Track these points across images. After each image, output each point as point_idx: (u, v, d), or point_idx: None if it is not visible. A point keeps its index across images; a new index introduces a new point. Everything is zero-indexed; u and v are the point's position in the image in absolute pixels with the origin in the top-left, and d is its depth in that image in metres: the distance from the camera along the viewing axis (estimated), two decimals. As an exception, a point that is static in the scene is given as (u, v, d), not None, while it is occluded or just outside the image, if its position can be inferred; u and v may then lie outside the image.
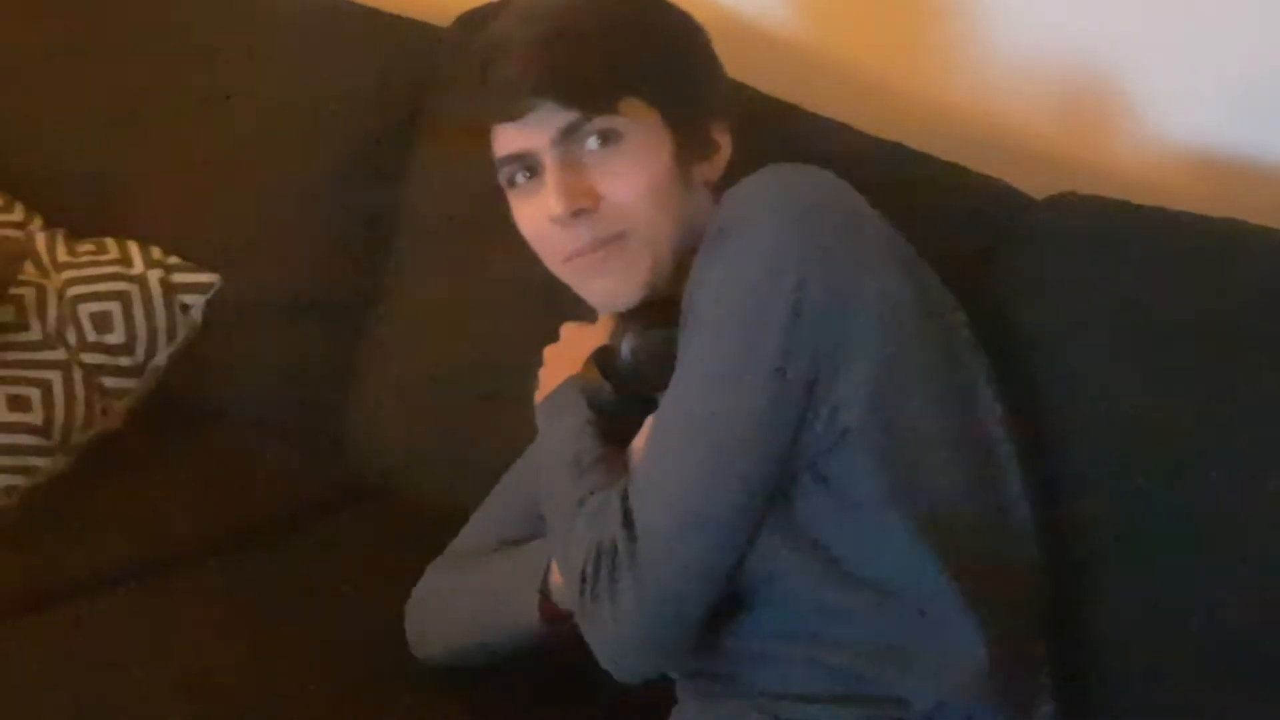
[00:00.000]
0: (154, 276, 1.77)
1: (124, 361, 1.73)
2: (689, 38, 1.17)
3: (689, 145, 1.11)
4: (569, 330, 1.25)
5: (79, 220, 1.91)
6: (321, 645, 1.34)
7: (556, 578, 1.14)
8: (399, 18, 1.76)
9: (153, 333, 1.76)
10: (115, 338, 1.73)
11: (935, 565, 1.03)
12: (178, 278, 1.77)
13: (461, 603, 1.27)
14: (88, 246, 1.83)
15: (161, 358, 1.76)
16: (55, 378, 1.69)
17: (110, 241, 1.83)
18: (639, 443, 1.10)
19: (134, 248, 1.80)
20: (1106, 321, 1.20)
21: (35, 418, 1.65)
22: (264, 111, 1.80)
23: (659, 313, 1.11)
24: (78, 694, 1.29)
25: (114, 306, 1.75)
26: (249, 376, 1.79)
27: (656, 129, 1.09)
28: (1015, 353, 1.20)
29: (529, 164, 1.11)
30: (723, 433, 1.02)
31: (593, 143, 1.07)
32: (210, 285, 1.77)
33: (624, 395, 1.15)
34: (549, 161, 1.08)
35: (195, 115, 1.85)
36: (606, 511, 1.04)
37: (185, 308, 1.77)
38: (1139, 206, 1.25)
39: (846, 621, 1.06)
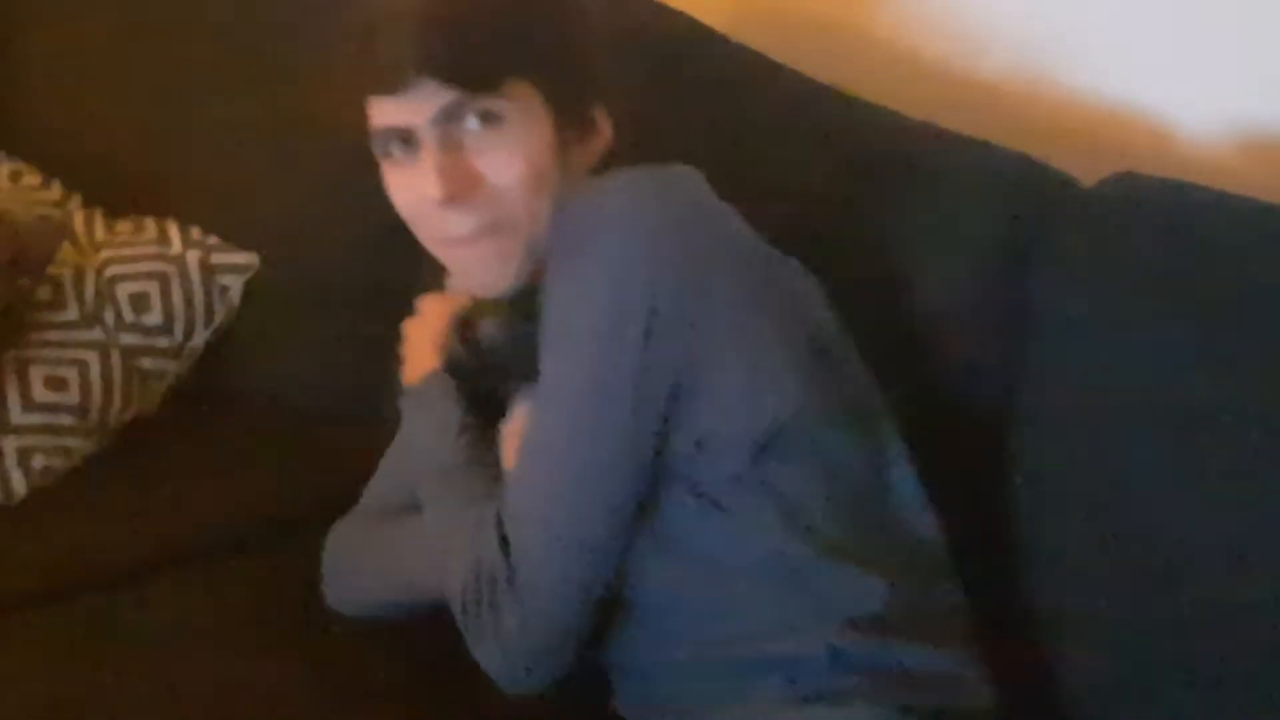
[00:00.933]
0: (193, 257, 1.76)
1: (162, 343, 1.73)
2: (575, 18, 1.17)
3: (569, 128, 1.12)
4: (429, 303, 1.28)
5: (118, 199, 1.92)
6: (368, 636, 1.33)
7: None
8: None
9: (191, 314, 1.76)
10: (153, 319, 1.73)
11: (813, 541, 1.06)
12: (216, 258, 1.77)
13: (379, 562, 1.30)
14: (126, 226, 1.83)
15: (199, 339, 1.75)
16: (93, 358, 1.69)
17: (149, 221, 1.82)
18: (510, 431, 1.15)
19: (173, 227, 1.80)
20: (1163, 304, 1.20)
21: (72, 398, 1.66)
22: (306, 93, 1.80)
23: (523, 300, 1.14)
24: (105, 683, 1.28)
25: (152, 287, 1.74)
26: (288, 360, 1.78)
27: (538, 111, 1.10)
28: (1067, 337, 1.20)
29: (406, 138, 1.11)
30: (586, 454, 1.06)
31: (473, 123, 1.07)
32: (249, 266, 1.76)
33: (482, 371, 1.20)
34: (428, 141, 1.08)
35: (237, 95, 1.84)
36: (483, 531, 1.07)
37: (224, 289, 1.76)
38: (1198, 188, 1.24)
39: (727, 615, 1.10)
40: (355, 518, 1.36)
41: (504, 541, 1.07)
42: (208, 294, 1.76)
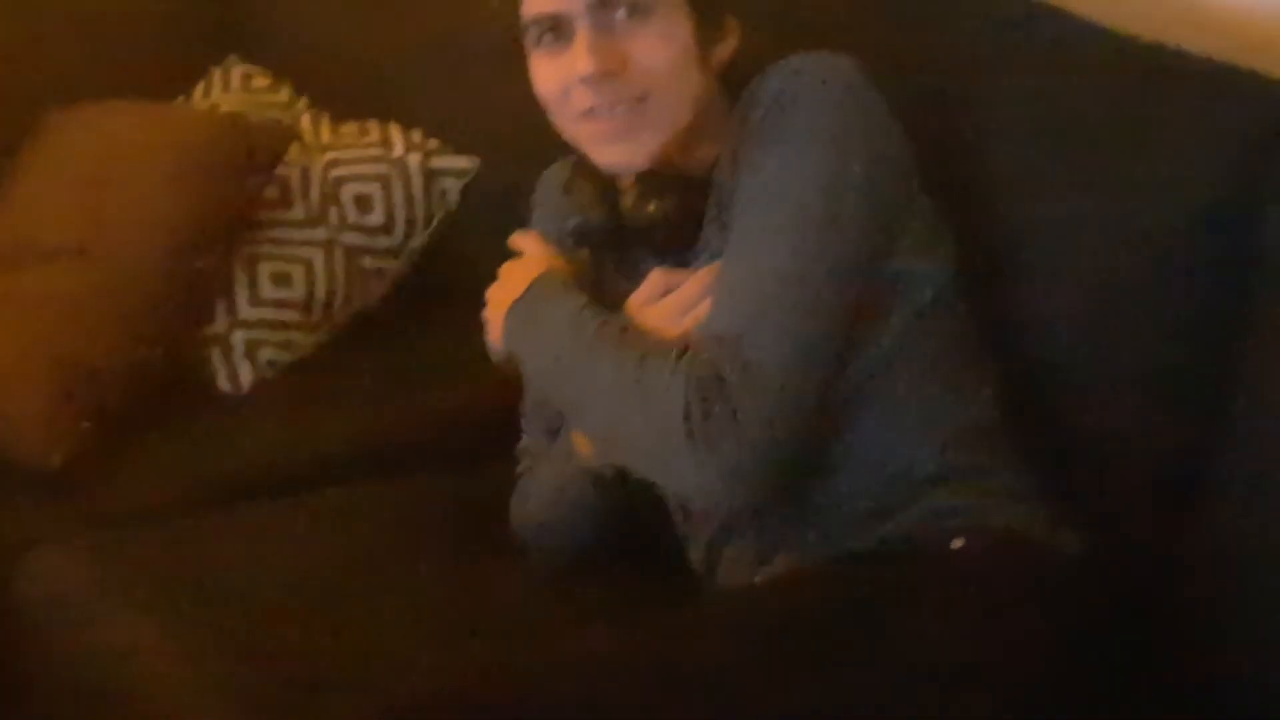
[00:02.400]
0: (414, 160, 1.83)
1: (383, 242, 1.81)
2: None
3: (707, 28, 1.23)
4: (510, 269, 1.34)
5: (343, 102, 2.00)
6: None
7: (584, 448, 1.26)
8: None
9: (411, 215, 1.83)
10: (375, 219, 1.81)
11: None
12: (436, 161, 1.84)
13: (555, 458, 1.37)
14: (351, 128, 1.91)
15: (418, 240, 1.83)
16: (317, 256, 1.77)
17: (373, 124, 1.90)
18: (637, 301, 1.23)
19: (395, 131, 1.88)
20: None
21: (297, 294, 1.75)
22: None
23: (674, 183, 1.25)
24: (348, 569, 1.35)
25: (374, 188, 1.82)
26: (501, 260, 1.79)
27: (681, 7, 1.21)
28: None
29: (559, 26, 1.21)
30: (818, 281, 1.15)
31: (622, 14, 1.19)
32: (468, 170, 1.83)
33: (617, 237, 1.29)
34: (581, 25, 1.18)
35: (459, 3, 1.85)
36: (693, 361, 1.14)
37: (443, 191, 1.83)
38: None
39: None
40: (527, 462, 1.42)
41: (731, 355, 1.14)
42: (428, 196, 1.83)
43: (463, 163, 1.86)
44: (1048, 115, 1.35)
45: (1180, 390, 1.29)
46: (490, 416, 1.57)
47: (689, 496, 1.25)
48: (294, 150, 1.87)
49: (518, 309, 1.32)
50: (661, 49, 1.21)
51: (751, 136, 1.20)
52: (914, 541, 1.22)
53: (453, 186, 1.85)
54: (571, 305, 1.27)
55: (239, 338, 1.74)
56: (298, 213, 1.81)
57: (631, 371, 1.19)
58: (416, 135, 1.88)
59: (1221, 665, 1.22)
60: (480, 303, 1.59)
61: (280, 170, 1.83)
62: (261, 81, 2.09)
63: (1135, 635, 1.26)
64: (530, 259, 1.36)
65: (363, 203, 1.82)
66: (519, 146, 1.74)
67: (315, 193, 1.82)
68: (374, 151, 1.88)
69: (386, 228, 1.82)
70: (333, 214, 1.80)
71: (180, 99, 2.16)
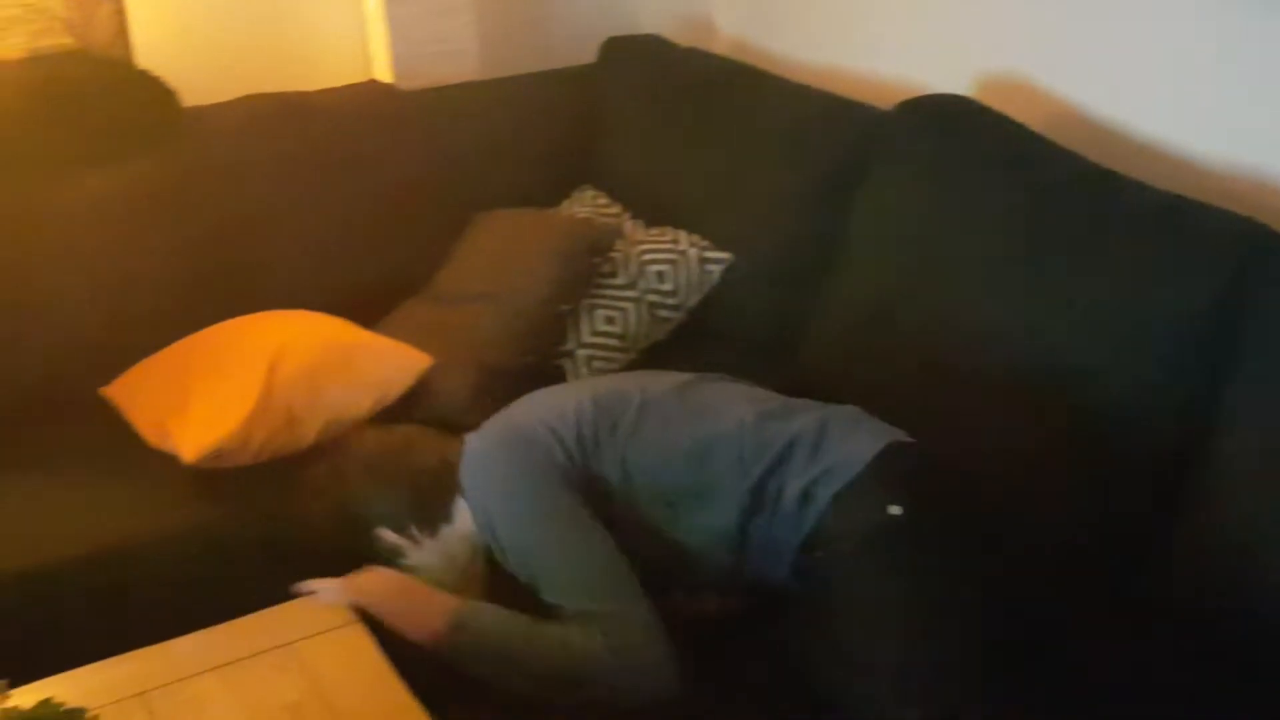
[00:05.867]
0: (693, 252, 2.37)
1: (671, 301, 2.36)
2: None
3: None
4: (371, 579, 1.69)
5: (650, 215, 2.54)
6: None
7: None
8: (854, 102, 2.33)
9: (690, 285, 2.36)
10: (667, 286, 2.36)
11: None
12: (706, 254, 2.37)
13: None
14: (654, 231, 2.46)
15: (693, 301, 2.37)
16: (630, 307, 2.34)
17: (668, 228, 2.45)
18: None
19: (681, 233, 2.42)
20: None
21: (616, 329, 2.33)
22: (764, 141, 2.38)
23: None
24: None
25: (668, 268, 2.36)
26: (742, 313, 2.37)
27: None
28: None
29: None
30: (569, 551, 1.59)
31: None
32: (726, 259, 2.37)
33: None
34: None
35: (711, 151, 2.44)
36: (585, 635, 1.52)
37: (709, 272, 2.36)
38: None
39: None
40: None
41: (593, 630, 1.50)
42: (701, 274, 2.37)
43: (723, 255, 2.37)
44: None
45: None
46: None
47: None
48: (620, 243, 2.39)
49: (460, 631, 1.58)
50: None
51: None
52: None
53: (716, 269, 2.35)
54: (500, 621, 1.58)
55: (581, 354, 2.28)
56: (620, 280, 2.34)
57: (561, 647, 1.52)
58: (695, 237, 2.38)
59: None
60: (729, 338, 2.12)
61: (611, 254, 2.36)
62: (603, 200, 2.61)
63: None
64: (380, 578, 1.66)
65: (660, 276, 2.34)
66: (757, 245, 2.33)
67: (632, 269, 2.35)
68: (668, 245, 2.37)
69: (674, 292, 2.34)
70: (640, 282, 2.34)
71: (553, 209, 2.66)
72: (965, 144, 2.08)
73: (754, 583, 1.65)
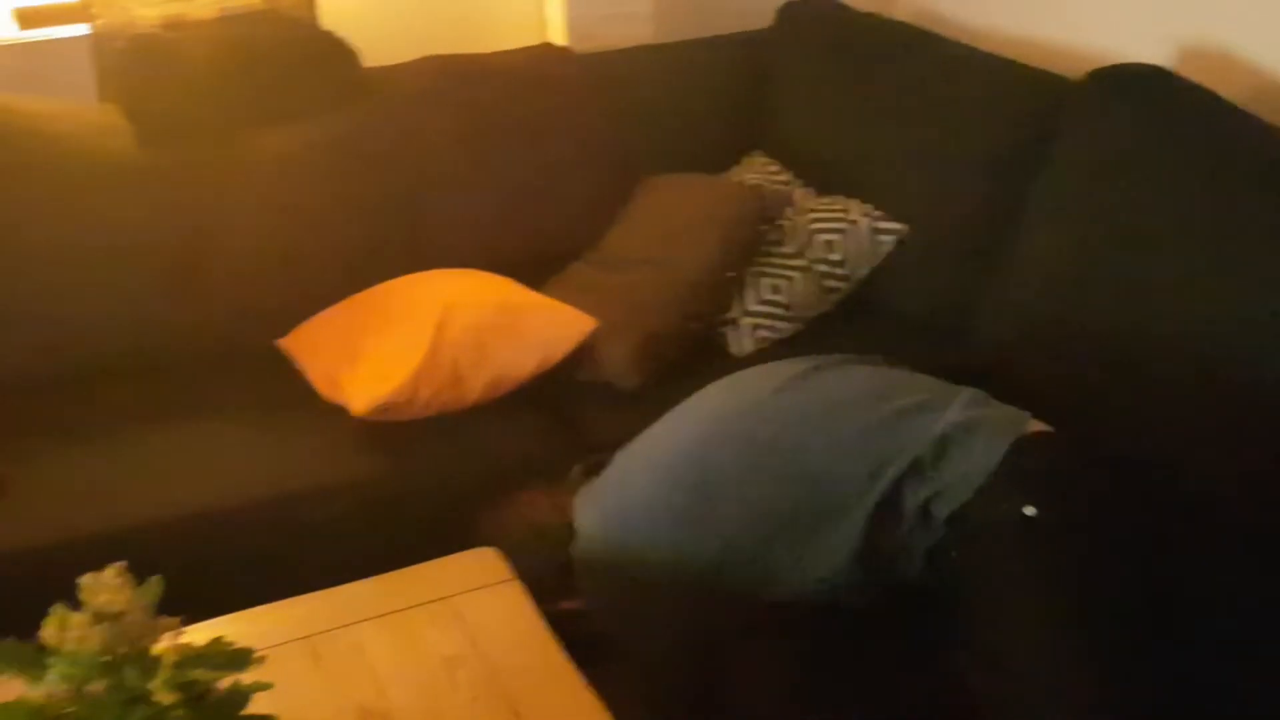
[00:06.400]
0: (864, 222, 2.42)
1: (839, 271, 2.41)
2: None
3: None
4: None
5: (821, 182, 2.57)
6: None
7: None
8: (1040, 71, 2.30)
9: (859, 256, 2.40)
10: (836, 256, 2.40)
11: None
12: (879, 224, 2.41)
13: None
14: (825, 199, 2.51)
15: (863, 272, 2.41)
16: (798, 276, 2.39)
17: (840, 197, 2.49)
18: None
19: (854, 202, 2.46)
20: None
21: (783, 298, 2.37)
22: (944, 111, 2.38)
23: None
24: None
25: (837, 238, 2.41)
26: (915, 289, 2.37)
27: None
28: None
29: None
30: None
31: None
32: (900, 231, 2.40)
33: None
34: None
35: (904, 126, 2.44)
36: None
37: (880, 243, 2.40)
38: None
39: None
40: None
41: None
42: (872, 245, 2.40)
43: (896, 226, 2.40)
44: None
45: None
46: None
47: None
48: (789, 211, 2.46)
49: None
50: None
51: None
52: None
53: (888, 240, 2.39)
54: None
55: (746, 322, 2.33)
56: (788, 248, 2.40)
57: None
58: (868, 206, 2.42)
59: None
60: (895, 315, 2.14)
61: (780, 221, 2.43)
62: (774, 166, 2.66)
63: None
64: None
65: (829, 246, 2.39)
66: (934, 215, 2.35)
67: (800, 237, 2.41)
68: (839, 214, 2.42)
69: (842, 262, 2.39)
70: (809, 251, 2.39)
71: (722, 174, 2.71)
72: (1161, 119, 2.02)
73: (886, 579, 1.66)
